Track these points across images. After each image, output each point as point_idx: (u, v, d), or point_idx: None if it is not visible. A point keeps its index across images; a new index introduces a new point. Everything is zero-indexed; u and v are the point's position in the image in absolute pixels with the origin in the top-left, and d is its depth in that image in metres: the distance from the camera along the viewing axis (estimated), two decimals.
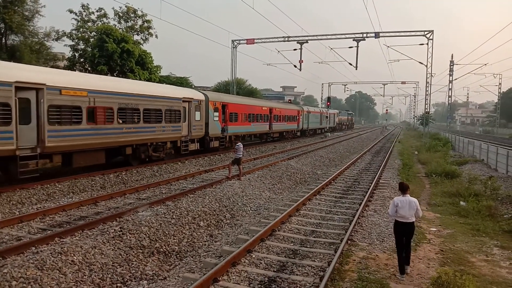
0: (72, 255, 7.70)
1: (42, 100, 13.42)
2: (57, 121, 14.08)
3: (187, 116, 22.19)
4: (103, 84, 16.72)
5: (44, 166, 14.62)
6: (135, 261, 8.34)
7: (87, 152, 15.88)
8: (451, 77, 48.65)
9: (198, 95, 23.91)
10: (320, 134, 54.76)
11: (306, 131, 50.16)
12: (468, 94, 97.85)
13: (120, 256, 8.28)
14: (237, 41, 41.73)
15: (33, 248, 8.07)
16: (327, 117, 61.20)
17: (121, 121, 17.06)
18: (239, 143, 17.59)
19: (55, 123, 13.98)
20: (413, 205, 7.71)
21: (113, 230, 9.22)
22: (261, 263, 8.11)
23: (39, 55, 30.54)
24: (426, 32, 37.26)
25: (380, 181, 18.68)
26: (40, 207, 11.65)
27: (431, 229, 11.52)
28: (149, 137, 19.15)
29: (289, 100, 61.16)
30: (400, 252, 7.88)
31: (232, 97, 31.52)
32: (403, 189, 7.93)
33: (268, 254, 8.67)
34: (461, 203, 14.66)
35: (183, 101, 21.66)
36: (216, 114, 25.90)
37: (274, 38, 39.70)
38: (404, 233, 7.81)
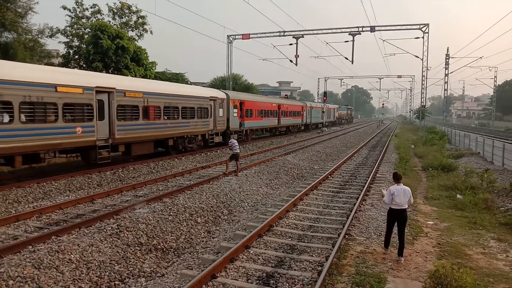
0: (69, 253, 7.67)
1: (112, 101, 16.84)
2: (122, 117, 17.51)
3: (213, 112, 25.67)
4: (152, 87, 20.39)
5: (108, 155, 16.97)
6: (133, 258, 8.32)
7: (142, 143, 19.28)
8: (447, 70, 48.74)
9: (221, 94, 27.55)
10: (322, 128, 55.39)
11: (309, 125, 53.53)
12: (464, 87, 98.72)
13: (118, 254, 8.26)
14: (232, 36, 41.57)
15: (30, 246, 8.03)
16: (328, 112, 65.44)
17: (166, 118, 20.56)
18: (232, 139, 17.58)
19: (121, 119, 17.41)
20: (407, 193, 8.42)
21: (110, 228, 9.19)
22: (259, 258, 8.11)
23: (33, 52, 30.26)
24: (421, 26, 37.24)
25: (377, 175, 18.72)
26: (36, 206, 11.61)
27: (428, 222, 11.56)
28: (186, 131, 22.88)
29: (285, 95, 61.19)
30: (389, 232, 8.73)
31: (247, 95, 34.99)
32: (397, 178, 8.63)
33: (266, 249, 8.68)
34: (458, 196, 14.71)
35: (210, 99, 25.32)
36: (235, 110, 29.32)
37: (270, 33, 39.56)
38: (398, 219, 8.47)
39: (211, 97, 25.54)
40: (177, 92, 22.01)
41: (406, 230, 10.17)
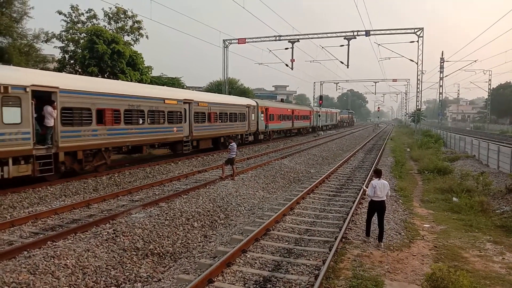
0: (65, 258, 7.62)
1: (191, 109, 23.20)
2: (197, 120, 23.86)
3: (248, 117, 31.98)
4: (213, 98, 27.57)
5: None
6: (129, 263, 8.28)
7: (205, 140, 25.44)
8: (441, 74, 49.00)
9: (253, 102, 34.04)
10: (318, 131, 56.21)
11: (315, 128, 59.30)
12: (458, 90, 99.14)
13: (114, 259, 8.22)
14: (228, 41, 41.67)
15: (25, 252, 7.97)
16: (331, 115, 74.02)
17: (220, 121, 26.96)
18: (233, 143, 17.57)
19: (196, 122, 23.69)
20: (386, 186, 9.64)
21: (106, 233, 9.14)
22: (256, 263, 8.10)
23: (28, 57, 30.15)
24: (416, 30, 37.50)
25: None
26: (32, 211, 11.53)
27: (424, 225, 11.59)
28: (231, 131, 29.01)
29: (281, 99, 61.37)
30: (369, 221, 9.88)
31: (271, 103, 42.24)
32: (378, 173, 9.82)
33: (263, 253, 8.66)
34: (454, 199, 14.76)
35: (246, 106, 31.76)
36: (262, 115, 35.77)
37: (266, 37, 39.73)
38: (378, 209, 9.64)
39: (247, 104, 32.22)
40: (227, 101, 28.97)
41: (402, 233, 10.27)
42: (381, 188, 9.50)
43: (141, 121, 18.89)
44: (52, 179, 14.71)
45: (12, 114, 12.70)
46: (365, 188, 10.18)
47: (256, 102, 34.83)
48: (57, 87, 14.43)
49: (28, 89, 13.14)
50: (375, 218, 9.85)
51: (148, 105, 19.24)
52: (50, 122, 14.19)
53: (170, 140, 21.50)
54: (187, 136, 22.80)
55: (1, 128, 12.35)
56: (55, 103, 14.32)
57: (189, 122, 23.04)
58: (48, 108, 14.10)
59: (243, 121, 30.97)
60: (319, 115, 61.56)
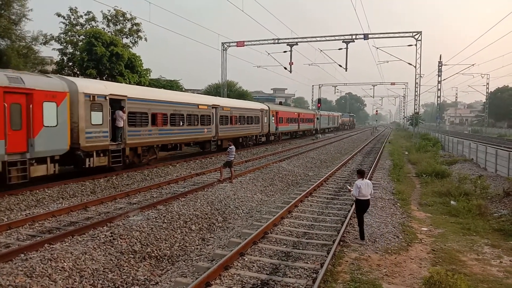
0: (62, 261, 7.59)
1: (217, 113, 27.13)
2: (221, 123, 27.76)
3: (261, 120, 35.99)
4: (234, 103, 32.03)
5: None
6: (127, 266, 8.25)
7: (227, 139, 26.70)
8: (439, 77, 49.10)
9: (265, 107, 37.86)
10: (316, 134, 56.45)
11: (317, 130, 62.00)
12: (456, 94, 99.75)
13: (111, 262, 8.19)
14: (227, 44, 41.71)
15: (22, 255, 7.93)
16: (333, 118, 78.43)
17: (239, 123, 31.18)
18: (232, 146, 17.58)
19: (221, 124, 27.63)
20: (370, 185, 10.19)
21: (103, 236, 9.11)
22: (253, 266, 8.08)
23: (26, 59, 30.13)
24: (414, 33, 37.61)
25: (372, 181, 18.74)
26: (29, 213, 11.49)
27: (422, 228, 11.59)
28: (248, 132, 33.45)
29: (279, 102, 61.55)
30: (361, 223, 10.04)
31: (280, 107, 45.48)
32: (362, 174, 10.25)
33: (260, 257, 8.65)
34: (452, 202, 14.77)
35: (260, 110, 35.96)
36: (273, 118, 39.56)
37: (264, 40, 39.77)
38: (364, 208, 10.10)
39: (260, 109, 36.21)
40: (245, 106, 33.20)
41: (400, 236, 10.28)
42: (365, 187, 9.97)
43: (181, 123, 22.75)
44: (119, 169, 18.29)
45: (97, 117, 16.31)
46: (350, 188, 10.69)
47: (268, 106, 38.59)
48: (126, 96, 18.06)
49: (107, 98, 16.82)
50: (370, 219, 9.83)
51: (187, 110, 23.21)
52: (120, 124, 17.60)
53: (202, 139, 25.57)
54: (214, 136, 26.85)
55: (90, 128, 15.97)
56: (124, 108, 17.82)
57: (215, 124, 26.99)
58: (120, 112, 17.57)
59: (257, 124, 35.30)
60: (322, 118, 65.62)
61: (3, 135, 12.69)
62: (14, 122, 13.08)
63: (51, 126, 14.35)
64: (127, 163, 18.58)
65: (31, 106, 13.52)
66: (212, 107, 26.41)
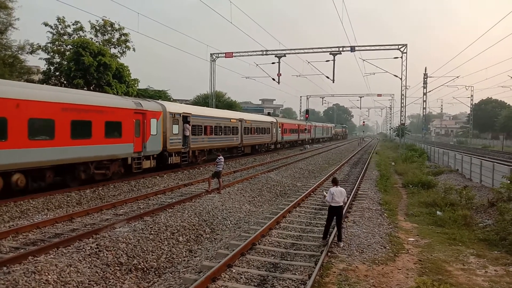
0: (47, 274, 7.45)
1: (242, 125, 33.59)
2: (244, 133, 34.32)
3: (271, 130, 42.70)
4: (254, 117, 39.48)
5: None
6: (112, 278, 8.14)
7: (248, 146, 36.30)
8: (425, 89, 49.99)
9: (275, 120, 44.97)
10: (305, 145, 57.00)
11: (313, 140, 70.07)
12: (442, 105, 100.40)
13: (97, 274, 8.07)
14: (215, 55, 41.85)
15: (5, 268, 7.77)
16: (326, 129, 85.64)
17: (256, 133, 37.55)
18: (221, 157, 17.55)
19: (245, 134, 34.20)
20: (343, 193, 10.62)
21: (89, 247, 8.98)
22: (241, 277, 8.03)
23: (12, 68, 29.81)
24: (400, 46, 38.23)
25: (359, 192, 18.88)
26: (13, 225, 11.28)
27: (409, 239, 11.67)
28: (262, 141, 40.17)
29: (268, 113, 61.84)
30: (328, 225, 10.61)
31: (285, 120, 55.89)
32: (335, 182, 10.81)
33: (248, 268, 8.60)
34: (438, 213, 14.92)
35: (270, 123, 42.52)
36: (280, 129, 46.23)
37: (253, 51, 40.00)
38: (336, 214, 10.52)
39: (270, 121, 42.93)
40: (261, 119, 40.58)
41: (387, 247, 10.34)
42: (338, 194, 10.45)
43: (220, 133, 29.37)
44: (184, 166, 24.51)
45: (175, 128, 22.91)
46: (325, 194, 11.09)
47: (276, 119, 45.79)
48: (190, 113, 25.12)
49: (181, 115, 23.67)
50: (357, 230, 9.87)
51: (224, 123, 30.06)
52: (187, 133, 24.26)
53: (232, 146, 32.62)
54: (239, 144, 33.67)
55: (172, 136, 22.54)
56: (190, 122, 24.58)
57: (240, 134, 33.49)
58: (187, 125, 24.29)
59: (269, 134, 41.93)
60: (317, 129, 73.63)
61: (132, 140, 18.95)
62: (136, 131, 19.35)
63: (154, 135, 20.75)
64: (189, 162, 25.05)
65: (145, 121, 19.94)
66: (238, 120, 33.27)
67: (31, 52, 32.12)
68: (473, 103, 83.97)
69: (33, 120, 13.85)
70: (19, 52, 30.92)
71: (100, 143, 16.93)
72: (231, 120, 31.62)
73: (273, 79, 40.27)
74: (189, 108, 27.13)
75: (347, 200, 16.01)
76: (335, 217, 10.60)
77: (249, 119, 35.94)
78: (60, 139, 14.95)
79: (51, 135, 14.64)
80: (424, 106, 50.82)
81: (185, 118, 24.22)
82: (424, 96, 50.12)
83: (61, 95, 15.47)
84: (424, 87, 49.90)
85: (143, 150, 19.78)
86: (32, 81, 31.45)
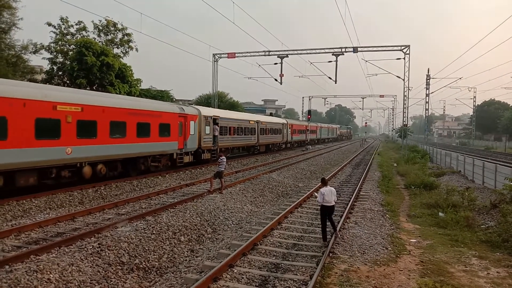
0: (49, 273, 7.47)
1: (258, 126, 37.40)
2: (260, 133, 38.24)
3: (282, 131, 46.50)
4: (268, 119, 43.19)
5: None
6: (114, 278, 8.15)
7: (263, 145, 39.88)
8: (427, 90, 49.91)
9: (285, 121, 49.33)
10: (307, 145, 56.93)
11: (320, 140, 74.64)
12: (444, 107, 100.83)
13: (99, 273, 8.08)
14: (218, 55, 41.90)
15: (7, 266, 7.80)
16: (332, 130, 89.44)
17: (270, 134, 41.73)
18: (223, 156, 17.56)
19: (260, 134, 38.07)
20: (334, 192, 10.91)
21: (91, 247, 9.00)
22: (243, 278, 8.03)
23: (15, 68, 29.90)
24: (402, 47, 38.18)
25: (361, 193, 18.85)
26: (15, 224, 11.31)
27: (411, 240, 11.65)
28: (275, 140, 44.32)
29: (270, 113, 61.93)
30: (324, 226, 10.67)
31: (294, 121, 59.32)
32: (325, 182, 11.24)
33: (250, 268, 8.60)
34: (440, 214, 14.89)
35: (282, 124, 46.64)
36: (290, 130, 50.11)
37: (255, 52, 40.03)
38: (328, 213, 10.72)
39: (282, 123, 47.26)
40: (273, 121, 43.82)
41: (389, 248, 10.32)
42: (328, 194, 10.66)
43: (241, 134, 33.44)
44: (212, 162, 27.35)
45: (208, 129, 26.83)
46: (316, 194, 11.34)
47: (286, 121, 50.44)
48: (219, 116, 29.09)
49: (212, 117, 27.62)
50: (359, 231, 9.85)
51: (244, 124, 34.17)
52: (216, 133, 28.06)
53: (250, 145, 36.74)
54: (256, 143, 37.63)
55: (205, 136, 26.40)
56: (218, 124, 28.51)
57: (257, 134, 37.30)
58: (216, 126, 28.10)
59: (280, 134, 45.58)
60: (323, 130, 77.63)
61: (177, 138, 22.73)
62: (180, 132, 23.05)
63: (192, 134, 24.56)
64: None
65: (186, 123, 23.71)
66: (256, 122, 37.11)
67: (35, 52, 32.28)
68: (476, 105, 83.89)
69: (113, 122, 17.51)
70: (23, 51, 31.04)
71: (156, 141, 20.76)
72: (250, 121, 35.80)
73: (276, 80, 40.28)
74: (218, 111, 30.99)
75: (349, 201, 16.07)
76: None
77: (264, 121, 39.99)
78: (129, 138, 18.69)
79: (123, 134, 18.32)
80: (427, 107, 50.76)
81: (215, 120, 28.07)
82: (427, 97, 50.05)
83: (129, 103, 19.38)
84: (426, 88, 49.85)
85: (184, 147, 23.65)
86: (35, 81, 31.53)
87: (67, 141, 15.19)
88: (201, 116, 25.83)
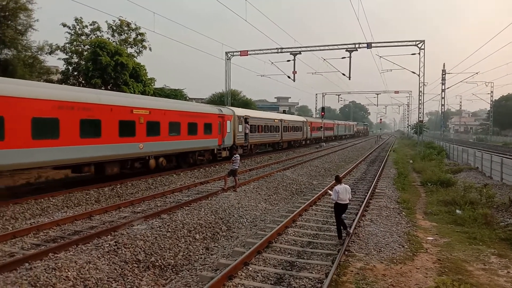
0: (67, 270, 7.59)
1: (281, 124, 40.35)
2: (284, 131, 41.36)
3: (303, 128, 49.43)
4: (290, 117, 46.82)
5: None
6: (130, 275, 8.24)
7: (286, 142, 43.50)
8: (443, 86, 49.13)
9: (305, 119, 51.96)
10: (321, 143, 56.76)
11: (337, 136, 77.01)
12: (461, 102, 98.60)
13: (115, 271, 8.17)
14: (231, 53, 41.90)
15: (27, 264, 7.94)
16: (349, 127, 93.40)
17: (292, 131, 44.51)
18: (237, 155, 17.58)
19: (284, 131, 41.27)
20: (348, 189, 10.80)
21: (108, 245, 9.11)
22: (258, 275, 8.03)
23: (32, 69, 30.36)
24: (417, 42, 37.65)
25: (376, 190, 18.68)
26: (33, 222, 11.52)
27: (428, 238, 11.50)
28: (297, 138, 47.40)
29: (283, 111, 61.89)
30: (339, 225, 10.55)
31: (313, 119, 61.23)
32: (338, 180, 11.00)
33: (265, 266, 8.60)
34: (457, 211, 14.66)
35: (302, 122, 49.55)
36: (309, 127, 52.70)
37: (268, 49, 39.93)
38: (343, 211, 10.72)
39: (302, 121, 50.17)
40: (294, 119, 47.37)
41: (405, 246, 10.19)
42: (343, 192, 10.56)
43: (267, 131, 36.44)
44: (245, 157, 31.04)
45: (240, 128, 29.89)
46: (330, 192, 11.23)
47: (306, 119, 53.24)
48: (249, 116, 32.26)
49: (243, 117, 30.74)
50: (375, 228, 9.75)
51: (269, 123, 37.06)
52: (247, 131, 31.12)
53: (275, 141, 40.04)
54: (280, 140, 40.65)
55: (238, 133, 29.45)
56: (249, 123, 31.53)
57: (280, 132, 40.21)
58: (247, 125, 31.05)
59: (301, 131, 48.65)
60: (340, 127, 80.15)
61: (217, 136, 25.95)
62: (219, 130, 26.24)
63: (228, 132, 27.64)
64: (248, 153, 32.26)
65: (223, 122, 26.81)
66: (279, 121, 40.05)
67: (50, 53, 32.70)
68: (493, 100, 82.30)
69: (171, 123, 20.78)
70: (39, 52, 31.47)
71: (201, 138, 24.07)
72: (274, 120, 38.89)
73: (288, 77, 40.13)
74: (248, 111, 34.35)
75: (365, 199, 15.94)
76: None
77: (287, 119, 43.15)
78: (183, 135, 21.92)
79: (178, 132, 21.50)
80: (443, 103, 49.98)
81: (246, 120, 31.23)
82: (443, 92, 49.30)
83: (182, 106, 23.26)
84: (442, 84, 49.08)
85: (222, 144, 26.72)
86: (51, 81, 32.00)
87: (140, 138, 18.50)
88: (235, 116, 29.03)
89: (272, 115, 40.54)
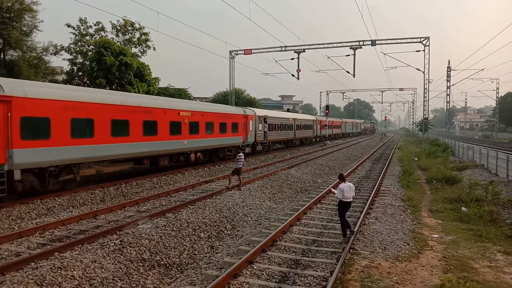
0: (72, 269, 7.63)
1: (295, 123, 44.58)
2: (297, 129, 45.09)
3: (313, 126, 52.66)
4: (301, 116, 50.51)
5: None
6: (136, 274, 8.27)
7: (298, 139, 47.77)
8: (448, 82, 48.90)
9: (315, 118, 55.57)
10: (325, 141, 56.79)
11: (344, 134, 79.64)
12: (466, 99, 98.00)
13: (121, 270, 8.21)
14: (234, 52, 41.93)
15: (33, 263, 8.00)
16: (356, 125, 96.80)
17: (304, 129, 48.28)
18: (241, 153, 17.60)
19: (297, 130, 45.05)
20: (352, 187, 10.75)
21: (113, 244, 9.15)
22: (262, 274, 8.04)
23: (37, 69, 30.52)
24: (422, 39, 37.49)
25: (381, 188, 18.62)
26: (39, 222, 11.59)
27: (433, 235, 11.45)
28: (307, 135, 50.48)
29: (287, 109, 61.86)
30: (343, 223, 10.54)
31: (321, 117, 62.03)
32: (343, 178, 10.98)
33: (269, 264, 8.60)
34: (463, 208, 14.59)
35: (312, 120, 52.56)
36: (319, 125, 56.14)
37: (272, 48, 39.94)
38: (346, 209, 10.64)
39: (312, 119, 53.50)
40: (306, 118, 50.85)
41: (411, 243, 10.16)
42: (348, 190, 10.53)
43: (283, 129, 39.31)
44: (263, 153, 34.49)
45: (260, 126, 32.98)
46: (334, 190, 11.38)
47: (315, 117, 57.08)
48: (267, 116, 35.16)
49: (263, 117, 33.75)
50: (380, 226, 9.72)
51: (284, 122, 40.03)
52: (266, 130, 34.08)
53: (289, 139, 42.91)
54: (293, 137, 43.82)
55: (259, 132, 32.59)
56: (267, 122, 34.50)
57: (294, 130, 43.36)
58: (265, 124, 33.73)
59: (311, 129, 52.15)
60: (347, 125, 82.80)
61: (242, 134, 29.01)
62: (243, 129, 29.37)
63: (251, 131, 30.82)
64: (267, 150, 35.59)
65: (247, 122, 29.97)
66: (293, 119, 43.25)
67: (55, 53, 32.81)
68: (499, 96, 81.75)
69: (207, 122, 24.12)
70: (44, 53, 31.62)
71: (230, 136, 27.43)
72: (288, 119, 41.91)
73: (293, 75, 40.12)
74: (267, 112, 37.56)
75: (369, 196, 15.90)
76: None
77: (299, 118, 46.96)
78: (216, 133, 25.35)
79: (212, 131, 24.90)
80: (448, 99, 49.75)
81: (265, 119, 34.51)
82: (448, 89, 49.07)
83: (215, 108, 27.23)
84: (447, 80, 48.86)
85: (246, 141, 30.08)
86: (56, 82, 32.12)
87: (184, 136, 21.82)
88: (256, 116, 32.31)
89: (287, 115, 43.71)
